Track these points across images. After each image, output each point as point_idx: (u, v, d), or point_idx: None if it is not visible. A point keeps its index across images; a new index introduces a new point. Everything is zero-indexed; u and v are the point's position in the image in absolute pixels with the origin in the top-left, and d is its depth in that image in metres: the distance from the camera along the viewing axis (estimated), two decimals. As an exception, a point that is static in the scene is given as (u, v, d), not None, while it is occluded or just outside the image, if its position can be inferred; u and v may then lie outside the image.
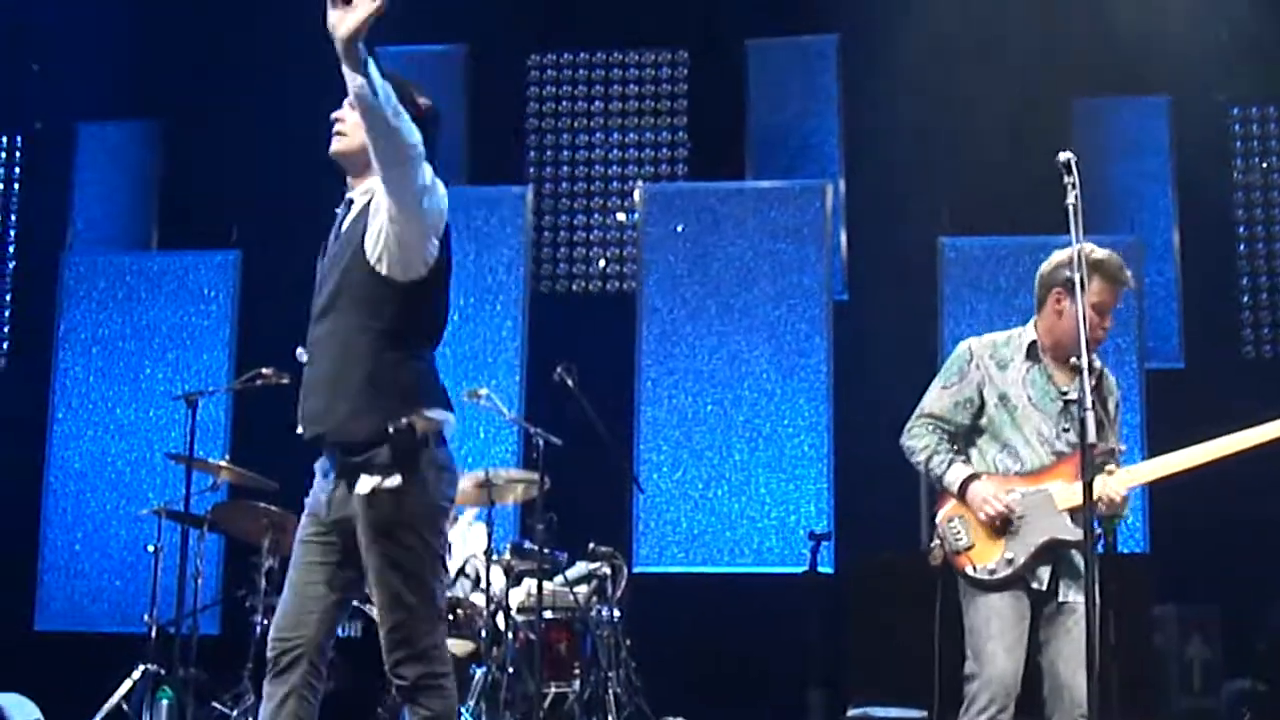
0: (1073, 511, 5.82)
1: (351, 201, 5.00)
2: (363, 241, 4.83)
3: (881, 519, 10.41)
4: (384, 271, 4.80)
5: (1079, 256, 5.17)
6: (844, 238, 11.46)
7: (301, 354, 4.98)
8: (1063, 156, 5.11)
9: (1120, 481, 5.80)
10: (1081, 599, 5.82)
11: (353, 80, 4.56)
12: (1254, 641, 9.70)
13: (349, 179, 5.07)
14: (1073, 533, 5.80)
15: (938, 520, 6.02)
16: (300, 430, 4.92)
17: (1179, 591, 9.78)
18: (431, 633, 4.83)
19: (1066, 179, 5.10)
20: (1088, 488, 5.02)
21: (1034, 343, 6.09)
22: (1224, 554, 9.81)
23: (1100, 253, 5.91)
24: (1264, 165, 11.64)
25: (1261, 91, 11.61)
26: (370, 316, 4.79)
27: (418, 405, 4.79)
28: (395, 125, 4.64)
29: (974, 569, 5.90)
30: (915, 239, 11.11)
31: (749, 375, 11.05)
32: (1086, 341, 5.17)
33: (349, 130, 4.96)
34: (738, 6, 11.70)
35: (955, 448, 6.04)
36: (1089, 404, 5.04)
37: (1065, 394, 5.93)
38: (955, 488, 5.93)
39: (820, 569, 9.80)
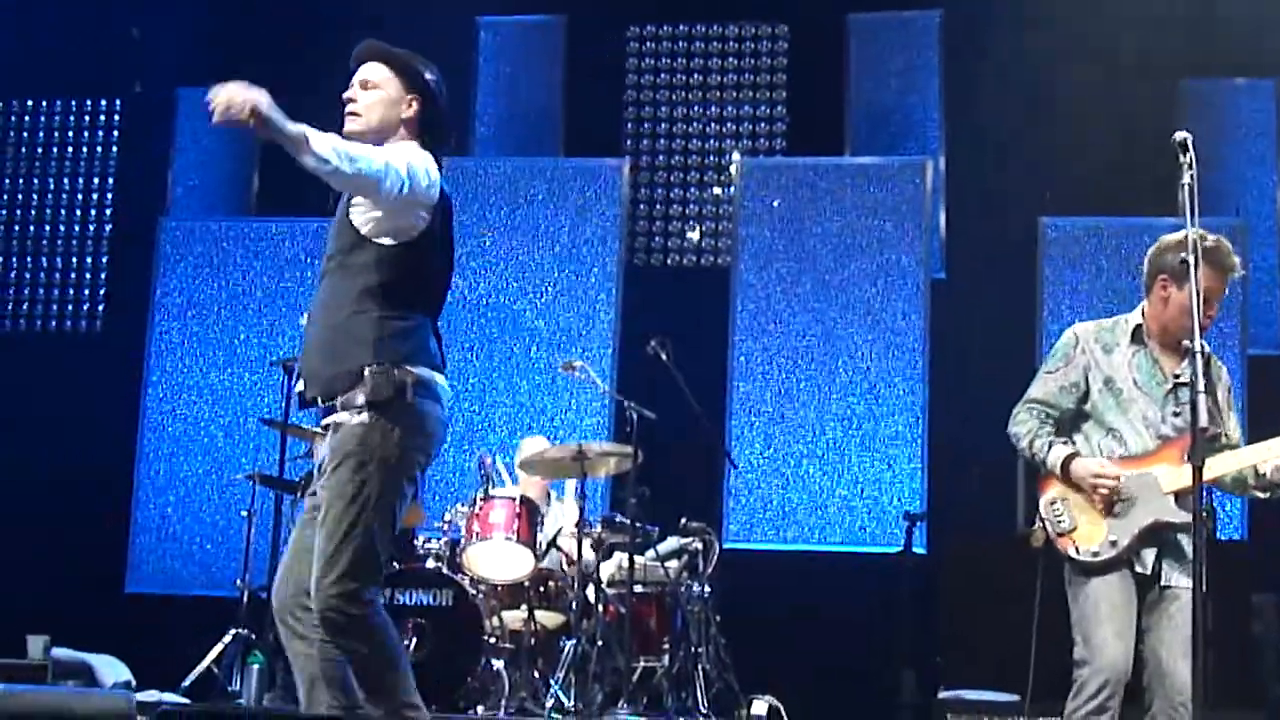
0: (1178, 494, 5.73)
1: None
2: (350, 208, 4.99)
3: (975, 502, 10.33)
4: (371, 236, 4.95)
5: (1193, 240, 5.08)
6: (943, 216, 11.34)
7: (304, 318, 5.20)
8: (1178, 136, 5.03)
9: None
10: (1185, 583, 5.73)
11: (298, 157, 4.62)
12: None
13: None
14: (1178, 515, 5.71)
15: (1041, 502, 5.96)
16: (301, 389, 5.08)
17: (1279, 579, 9.63)
18: (358, 574, 4.79)
19: (1181, 158, 5.02)
20: (1197, 471, 4.94)
21: (1140, 326, 6.00)
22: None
23: (1210, 239, 5.78)
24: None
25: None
26: (358, 278, 4.95)
27: (398, 358, 4.90)
28: (355, 171, 4.73)
29: (1077, 551, 5.81)
30: (1015, 218, 10.98)
31: (843, 353, 10.97)
32: (1198, 325, 5.10)
33: (362, 110, 5.07)
34: (839, -22, 11.62)
35: (1058, 432, 5.96)
36: (1201, 387, 4.95)
37: (1177, 377, 5.86)
38: (1058, 468, 5.84)
39: (915, 550, 9.72)
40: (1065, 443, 5.92)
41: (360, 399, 4.85)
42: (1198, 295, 5.11)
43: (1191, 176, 5.02)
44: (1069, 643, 5.83)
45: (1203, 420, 4.93)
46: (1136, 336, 6.00)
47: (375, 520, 4.83)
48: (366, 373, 4.84)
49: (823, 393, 10.93)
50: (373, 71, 5.10)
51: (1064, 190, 10.96)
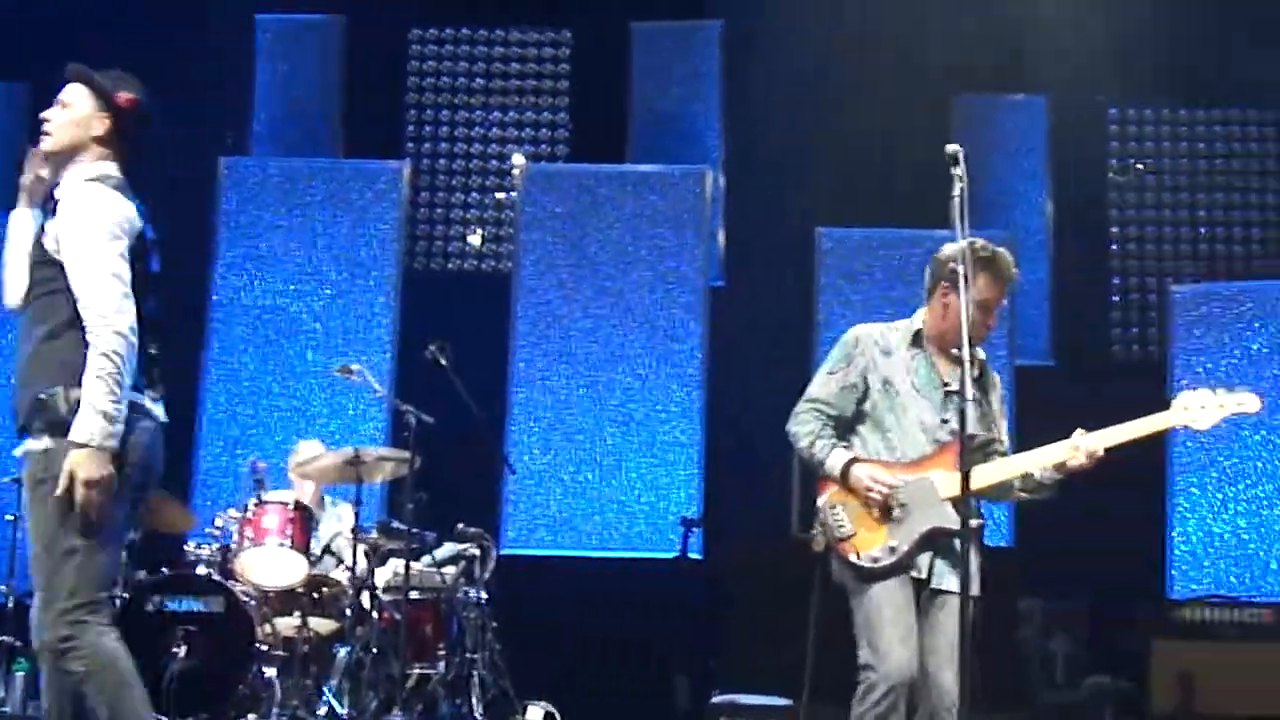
0: (955, 500, 5.75)
1: (55, 200, 5.09)
2: (43, 236, 5.03)
3: (752, 507, 10.43)
4: (61, 260, 4.96)
5: (967, 251, 5.18)
6: (722, 225, 11.45)
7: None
8: (950, 149, 5.10)
9: (1099, 440, 5.76)
10: (955, 588, 5.79)
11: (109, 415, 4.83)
12: (1117, 637, 9.80)
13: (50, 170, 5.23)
14: (955, 521, 5.70)
15: (819, 506, 5.99)
16: None
17: (1044, 586, 9.87)
18: (73, 594, 4.81)
19: (953, 170, 5.09)
20: (965, 479, 5.02)
21: (919, 331, 6.06)
22: (1089, 549, 9.89)
23: (990, 249, 5.89)
24: (1139, 166, 11.78)
25: (1139, 93, 11.74)
26: (49, 303, 4.97)
27: (77, 380, 4.87)
28: (118, 347, 4.85)
29: (857, 556, 5.84)
30: (793, 228, 11.11)
31: (623, 359, 10.99)
32: (970, 335, 5.19)
33: (54, 129, 5.17)
34: (622, -12, 11.67)
35: (838, 434, 6.00)
36: (969, 395, 5.03)
37: (948, 385, 5.93)
38: (837, 472, 5.87)
39: (690, 555, 9.78)
40: (846, 446, 5.94)
41: (39, 423, 4.89)
42: (969, 305, 5.21)
43: (963, 188, 5.11)
44: (843, 645, 5.89)
45: (971, 427, 5.02)
46: (916, 341, 6.04)
47: (79, 538, 4.82)
48: (48, 397, 4.86)
49: (601, 399, 10.94)
50: (69, 92, 5.20)
51: (841, 201, 11.12)
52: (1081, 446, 5.74)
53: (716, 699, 8.75)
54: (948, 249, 5.91)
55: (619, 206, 11.13)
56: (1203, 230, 11.80)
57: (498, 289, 11.28)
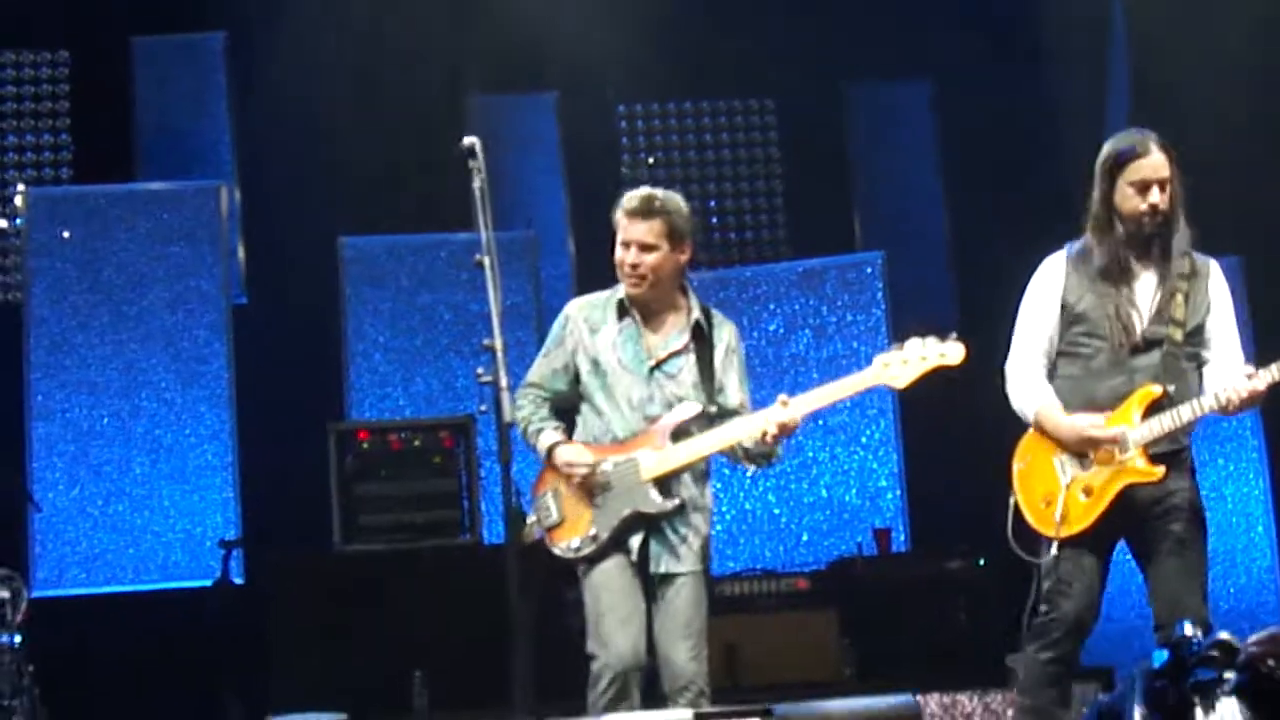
0: (659, 480, 5.74)
1: None
2: None
3: (292, 523, 10.25)
4: None
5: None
6: (240, 240, 11.23)
7: None
8: (467, 141, 5.12)
9: (799, 406, 5.74)
10: (680, 569, 5.77)
11: None
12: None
13: None
14: (656, 504, 5.71)
15: (535, 495, 5.86)
16: None
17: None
18: None
19: (471, 164, 5.10)
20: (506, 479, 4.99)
21: (623, 300, 5.96)
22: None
23: (629, 194, 5.90)
24: (650, 161, 12.10)
25: (647, 89, 12.04)
26: None
27: None
28: None
29: (560, 547, 5.77)
30: (314, 239, 10.95)
31: (147, 385, 10.64)
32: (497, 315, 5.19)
33: None
34: (120, 4, 11.26)
35: (567, 416, 5.89)
36: (504, 383, 5.01)
37: (654, 356, 5.86)
38: (544, 454, 5.79)
39: (233, 579, 9.58)
40: (556, 428, 5.83)
41: None
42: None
43: (482, 180, 5.12)
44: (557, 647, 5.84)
45: (507, 416, 4.99)
46: (622, 311, 5.94)
47: None
48: None
49: (127, 427, 10.57)
50: None
51: (362, 209, 11.04)
52: (772, 419, 5.72)
53: (271, 720, 8.59)
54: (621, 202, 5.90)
55: (131, 227, 10.75)
56: (714, 220, 12.18)
57: (6, 321, 10.79)
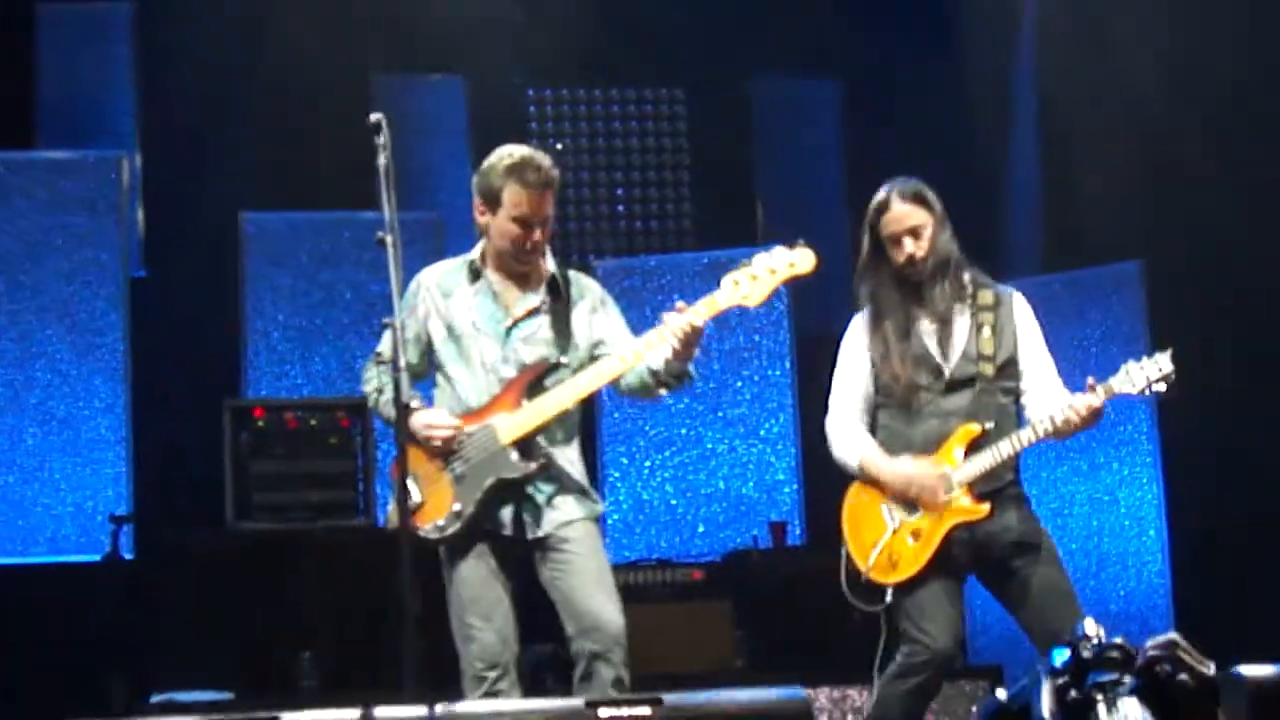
0: (519, 443, 5.56)
1: None
2: None
3: (185, 500, 10.17)
4: None
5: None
6: (141, 212, 11.10)
7: None
8: (374, 117, 5.06)
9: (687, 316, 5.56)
10: (566, 518, 5.63)
11: None
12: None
13: None
14: (519, 469, 5.53)
15: (390, 476, 5.71)
16: None
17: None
18: None
19: (377, 140, 5.05)
20: (401, 459, 4.91)
21: (473, 262, 5.85)
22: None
23: (517, 155, 5.71)
24: (558, 146, 12.08)
25: (554, 73, 12.03)
26: None
27: None
28: None
29: (425, 529, 5.54)
30: (216, 214, 10.84)
31: (41, 355, 10.47)
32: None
33: None
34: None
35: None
36: (402, 365, 4.95)
37: (511, 314, 5.74)
38: (398, 422, 5.40)
39: (122, 554, 9.47)
40: (415, 396, 5.55)
41: None
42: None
43: (387, 157, 5.06)
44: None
45: (405, 398, 4.94)
46: (475, 275, 5.81)
47: None
48: None
49: (20, 398, 10.38)
50: None
51: (264, 185, 10.95)
52: (672, 325, 5.57)
53: (155, 699, 8.51)
54: (484, 164, 5.76)
55: (29, 195, 10.57)
56: (620, 208, 12.20)
57: (-103, 292, 10.61)
